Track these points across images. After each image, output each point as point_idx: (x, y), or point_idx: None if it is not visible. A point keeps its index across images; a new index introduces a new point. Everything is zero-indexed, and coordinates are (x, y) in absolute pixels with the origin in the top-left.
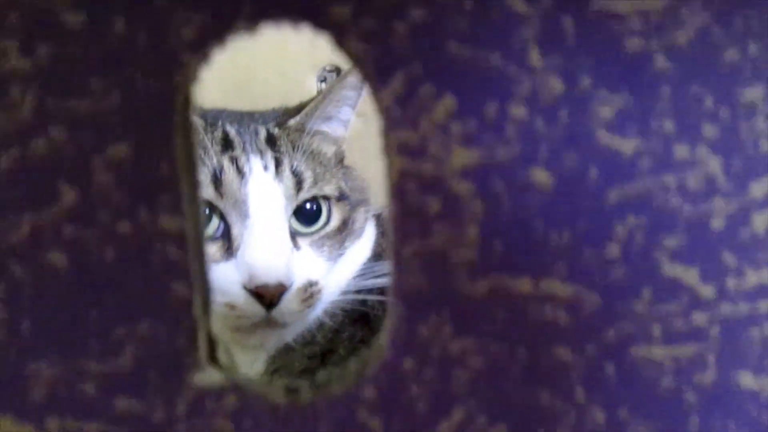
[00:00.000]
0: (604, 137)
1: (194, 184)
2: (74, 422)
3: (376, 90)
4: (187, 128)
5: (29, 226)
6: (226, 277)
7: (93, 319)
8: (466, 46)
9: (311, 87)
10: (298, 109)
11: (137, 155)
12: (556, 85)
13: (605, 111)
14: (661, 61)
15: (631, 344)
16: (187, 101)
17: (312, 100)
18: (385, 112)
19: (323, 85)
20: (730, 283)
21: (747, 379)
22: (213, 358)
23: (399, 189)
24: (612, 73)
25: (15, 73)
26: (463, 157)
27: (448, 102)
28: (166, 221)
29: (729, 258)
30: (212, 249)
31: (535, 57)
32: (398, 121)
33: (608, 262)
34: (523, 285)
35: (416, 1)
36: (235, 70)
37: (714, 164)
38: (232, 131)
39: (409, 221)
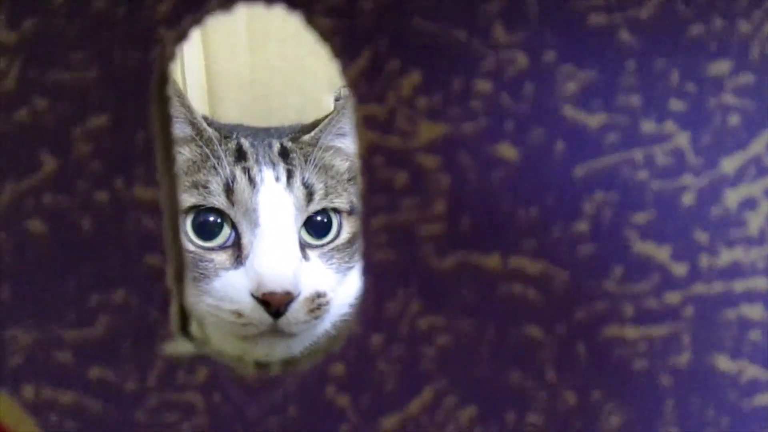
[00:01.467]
0: (570, 112)
1: (170, 157)
2: (49, 390)
3: (345, 66)
4: (164, 102)
5: (10, 194)
6: (235, 285)
7: (69, 287)
8: (432, 23)
9: (328, 105)
10: (313, 125)
11: (115, 127)
12: (520, 60)
13: (570, 86)
14: (625, 36)
15: (603, 324)
16: (163, 76)
17: (327, 116)
18: (353, 87)
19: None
20: (703, 261)
21: (724, 362)
22: (185, 330)
23: (367, 163)
24: (576, 48)
25: (1, 45)
26: (429, 131)
27: (414, 77)
28: (141, 192)
29: (701, 235)
30: (222, 257)
31: (499, 33)
32: (366, 96)
33: (577, 238)
34: (492, 261)
35: None
36: (254, 88)
37: (682, 139)
38: (246, 143)
39: (377, 195)
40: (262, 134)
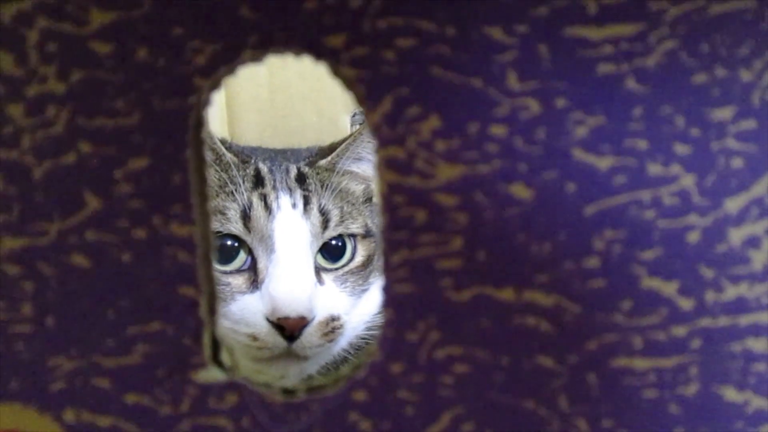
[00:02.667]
0: (580, 154)
1: (204, 196)
2: (89, 414)
3: (368, 111)
4: (199, 145)
5: (57, 231)
6: (250, 308)
7: (109, 318)
8: (450, 71)
9: (345, 126)
10: (330, 149)
11: (153, 168)
12: (533, 106)
13: (580, 130)
14: (632, 84)
15: (613, 355)
16: (199, 121)
17: (343, 140)
18: (375, 131)
19: (357, 126)
20: (709, 296)
21: (730, 393)
22: (216, 359)
23: (388, 202)
24: (586, 95)
25: (52, 94)
26: (447, 172)
27: (433, 121)
28: (177, 228)
29: (707, 271)
30: (239, 280)
31: (513, 81)
32: (388, 139)
33: (588, 273)
34: (507, 294)
35: (403, 30)
36: (273, 109)
37: (688, 180)
38: (264, 168)
39: (398, 232)
40: (279, 158)
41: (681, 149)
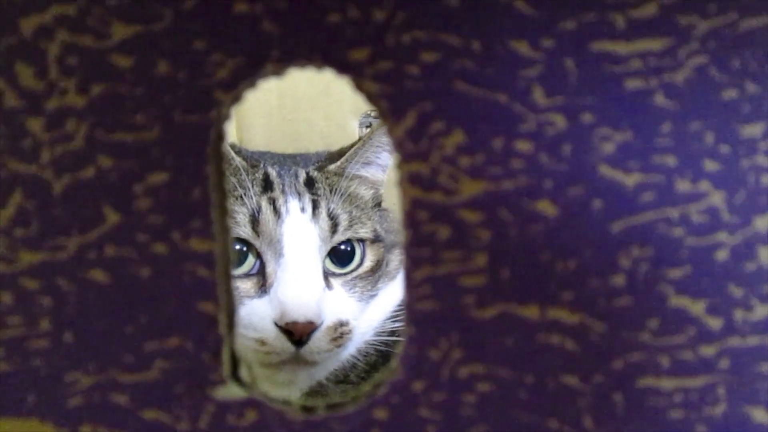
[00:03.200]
0: (607, 171)
1: (224, 210)
2: (106, 430)
3: (391, 126)
4: (219, 159)
5: (76, 245)
6: (259, 313)
7: (128, 333)
8: (474, 86)
9: (354, 130)
10: (340, 153)
11: (173, 183)
12: (559, 122)
13: (607, 146)
14: (660, 99)
15: (639, 374)
16: (219, 135)
17: (353, 145)
18: (399, 146)
19: (365, 129)
20: (738, 315)
21: (759, 414)
22: (235, 375)
23: (411, 217)
24: (613, 111)
25: (72, 108)
26: (471, 188)
27: (457, 137)
28: (197, 244)
29: (736, 290)
30: (247, 285)
31: (539, 96)
32: (411, 154)
33: (614, 291)
34: (531, 312)
35: (427, 44)
36: (282, 113)
37: (717, 198)
38: (273, 173)
39: (421, 248)
40: (289, 162)
41: (710, 166)
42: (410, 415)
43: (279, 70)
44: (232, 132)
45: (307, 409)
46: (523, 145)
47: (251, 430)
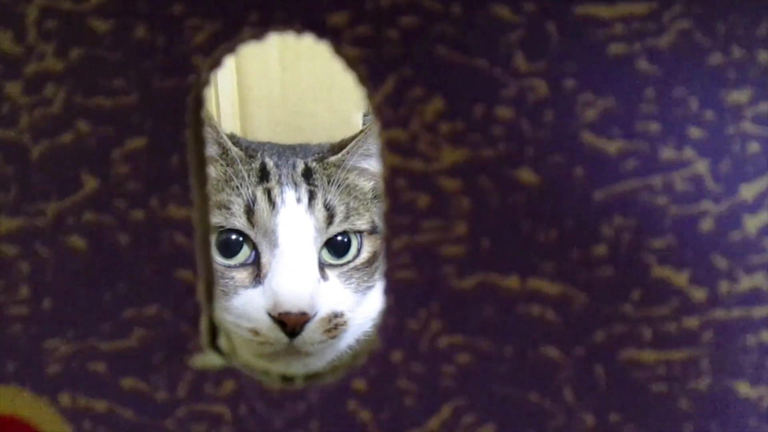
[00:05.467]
0: (589, 138)
1: (203, 177)
2: (85, 398)
3: (370, 92)
4: (198, 126)
5: (54, 212)
6: (253, 303)
7: (106, 301)
8: (454, 51)
9: (357, 123)
10: (341, 145)
11: (152, 149)
12: (540, 87)
13: (590, 113)
14: (644, 64)
15: (621, 346)
16: (198, 101)
17: (354, 137)
18: (378, 112)
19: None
20: (723, 287)
21: (744, 388)
22: (214, 344)
23: (391, 185)
24: (596, 76)
25: (50, 72)
26: (451, 155)
27: (437, 103)
28: (175, 210)
29: (720, 261)
30: (242, 275)
31: (520, 61)
32: (390, 121)
33: (596, 262)
34: (511, 282)
35: (407, 8)
36: (285, 105)
37: (701, 166)
38: (270, 163)
39: (400, 216)
40: (288, 153)
41: (695, 133)
42: (389, 385)
43: (258, 34)
44: (235, 123)
45: (285, 380)
46: (504, 112)
47: (229, 400)
